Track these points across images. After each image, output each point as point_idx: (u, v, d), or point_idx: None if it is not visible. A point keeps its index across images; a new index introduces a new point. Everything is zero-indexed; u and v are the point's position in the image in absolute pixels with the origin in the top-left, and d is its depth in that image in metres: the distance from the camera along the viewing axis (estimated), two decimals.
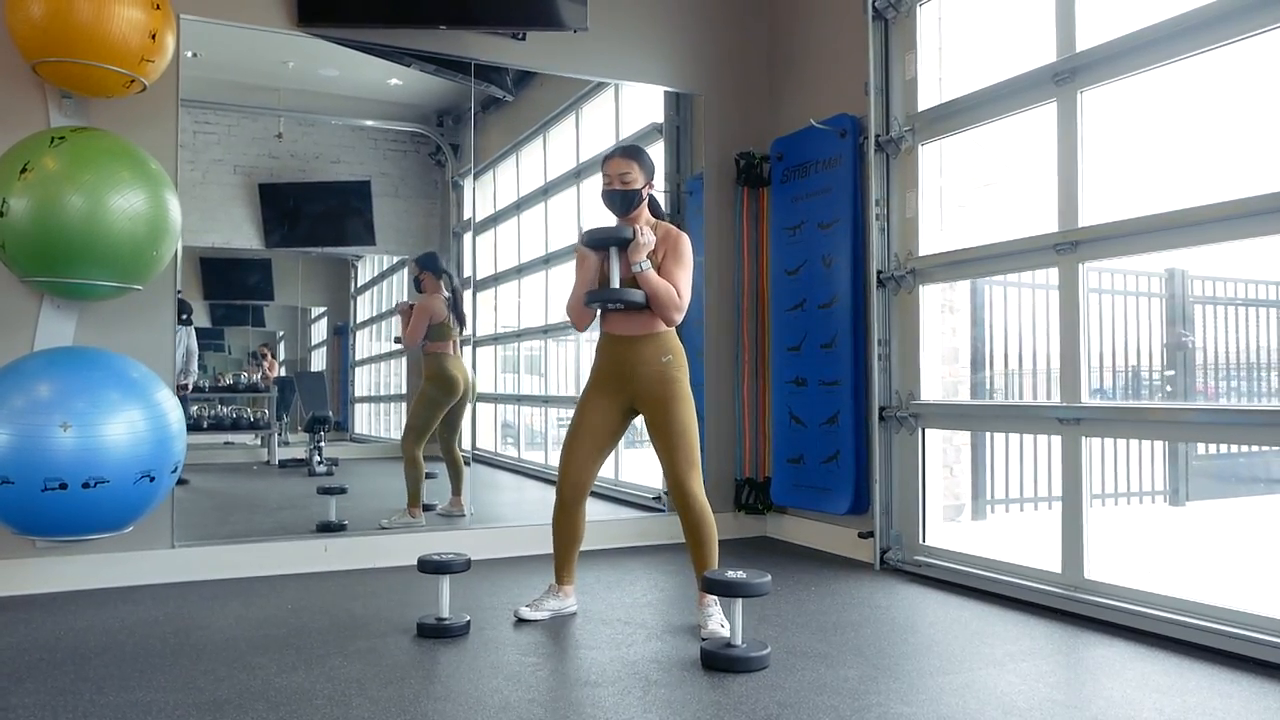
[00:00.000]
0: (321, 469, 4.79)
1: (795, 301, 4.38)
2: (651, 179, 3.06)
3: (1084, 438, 3.16)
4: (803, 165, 4.37)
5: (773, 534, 4.68)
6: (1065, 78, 3.20)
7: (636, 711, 2.24)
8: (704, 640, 2.77)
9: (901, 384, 3.88)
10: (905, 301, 3.88)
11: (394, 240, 4.94)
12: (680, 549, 4.37)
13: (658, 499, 4.89)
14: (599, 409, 3.07)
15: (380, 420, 5.17)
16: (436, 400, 4.66)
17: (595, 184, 5.45)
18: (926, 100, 3.82)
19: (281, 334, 4.83)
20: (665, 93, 4.90)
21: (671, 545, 4.47)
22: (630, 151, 3.04)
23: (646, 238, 2.95)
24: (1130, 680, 2.49)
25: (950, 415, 3.82)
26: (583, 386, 3.16)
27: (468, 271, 4.83)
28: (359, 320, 5.03)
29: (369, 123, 4.83)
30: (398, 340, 4.86)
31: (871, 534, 3.90)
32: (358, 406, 5.07)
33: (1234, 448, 5.99)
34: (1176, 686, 2.44)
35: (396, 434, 5.10)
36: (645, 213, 3.07)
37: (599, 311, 3.08)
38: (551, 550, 3.18)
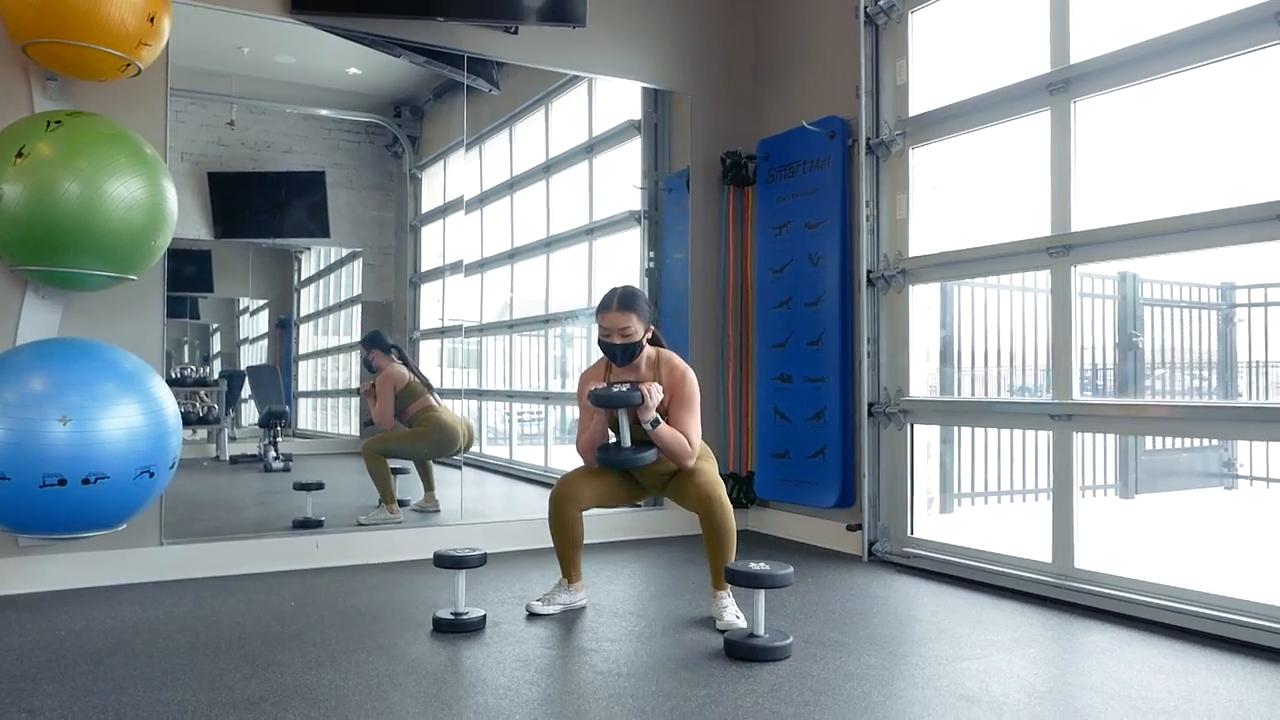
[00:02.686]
0: (278, 465, 4.70)
1: (781, 299, 4.47)
2: (649, 324, 3.08)
3: (1075, 433, 3.30)
4: (789, 165, 4.45)
5: (755, 527, 4.76)
6: (1059, 88, 3.33)
7: (680, 701, 2.28)
8: (723, 632, 2.82)
9: (890, 381, 3.99)
10: (894, 301, 3.99)
11: (348, 233, 4.86)
12: (668, 542, 4.45)
13: None
14: (624, 477, 3.18)
15: (327, 415, 5.09)
16: (428, 452, 4.59)
17: (565, 179, 5.53)
18: (917, 105, 3.93)
19: (216, 327, 4.73)
20: (643, 89, 4.92)
21: (657, 539, 4.52)
22: (627, 302, 3.03)
23: (654, 399, 2.95)
24: (1133, 663, 2.61)
25: (940, 411, 3.94)
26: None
27: (468, 255, 4.79)
28: (303, 314, 4.95)
29: (324, 112, 4.74)
30: (369, 424, 4.76)
31: (859, 527, 4.00)
32: (301, 401, 4.98)
33: (1181, 443, 6.29)
34: (1177, 668, 2.57)
35: (345, 429, 5.03)
36: (648, 347, 3.10)
37: None
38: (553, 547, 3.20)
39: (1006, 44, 3.73)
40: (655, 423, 2.95)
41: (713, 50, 4.89)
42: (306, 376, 4.98)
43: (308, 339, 4.99)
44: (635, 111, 5.07)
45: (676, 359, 3.11)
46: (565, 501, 3.08)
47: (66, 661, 2.57)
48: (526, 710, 2.23)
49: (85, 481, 2.90)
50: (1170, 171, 3.95)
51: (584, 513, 3.14)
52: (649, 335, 3.09)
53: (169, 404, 3.19)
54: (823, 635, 2.86)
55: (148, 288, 3.55)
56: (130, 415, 3.02)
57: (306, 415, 5.02)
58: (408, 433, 4.63)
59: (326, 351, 5.06)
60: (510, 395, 5.66)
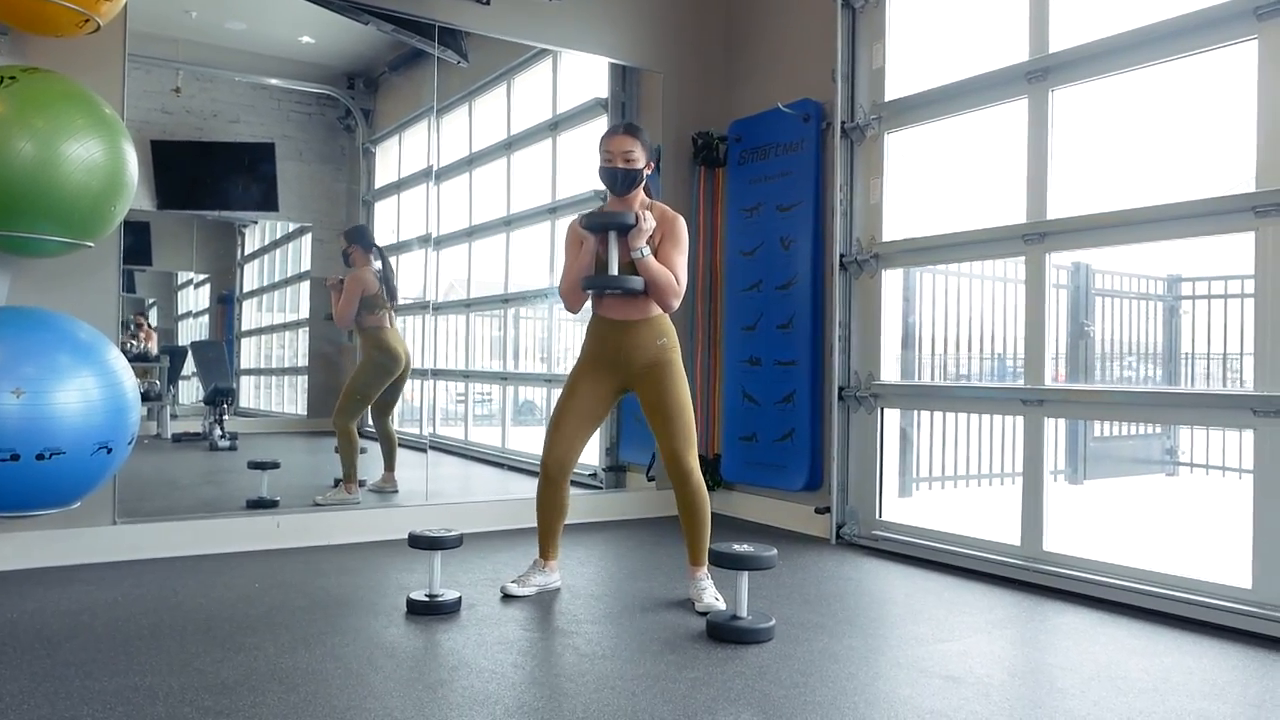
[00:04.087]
0: (224, 443, 4.58)
1: (751, 282, 4.45)
2: (651, 159, 3.03)
3: (1046, 418, 3.34)
4: (761, 148, 4.43)
5: (721, 510, 4.73)
6: (1037, 76, 3.36)
7: (668, 684, 2.25)
8: (703, 614, 2.81)
9: (861, 365, 4.00)
10: (867, 285, 4.00)
11: (297, 206, 4.74)
12: (634, 524, 4.43)
13: (594, 476, 4.90)
14: (588, 389, 3.04)
15: (271, 394, 4.98)
16: (378, 373, 4.54)
17: (527, 157, 5.44)
18: (893, 90, 3.93)
19: (153, 301, 4.58)
20: (610, 66, 4.85)
21: (624, 521, 4.50)
22: (634, 129, 3.00)
23: (648, 223, 2.90)
24: (1106, 644, 2.66)
25: (911, 395, 3.97)
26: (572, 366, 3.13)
27: (430, 230, 4.70)
28: (246, 290, 4.82)
29: (274, 81, 4.60)
30: (328, 318, 4.68)
31: (828, 509, 4.02)
32: (244, 379, 4.86)
33: (1127, 430, 6.46)
34: (1149, 649, 2.62)
35: (291, 408, 4.92)
36: (642, 193, 3.04)
37: (592, 294, 3.05)
38: (536, 525, 3.14)
39: (984, 31, 3.75)
40: (644, 254, 2.89)
41: (686, 29, 4.84)
42: (250, 354, 4.85)
43: (251, 315, 4.86)
44: (602, 89, 5.00)
45: (669, 210, 3.05)
46: (561, 471, 3.04)
47: (22, 645, 2.45)
48: (514, 693, 2.18)
49: (40, 457, 2.76)
50: (1148, 162, 4.02)
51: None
52: (648, 171, 3.01)
53: (127, 377, 3.05)
54: (802, 617, 2.86)
55: (103, 256, 3.40)
56: (87, 388, 2.88)
57: (249, 393, 4.90)
58: (355, 370, 4.58)
59: (272, 328, 4.94)
60: (467, 375, 5.58)
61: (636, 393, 3.04)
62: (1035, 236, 3.35)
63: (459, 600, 2.89)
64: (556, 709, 2.07)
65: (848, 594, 3.20)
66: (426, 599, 2.84)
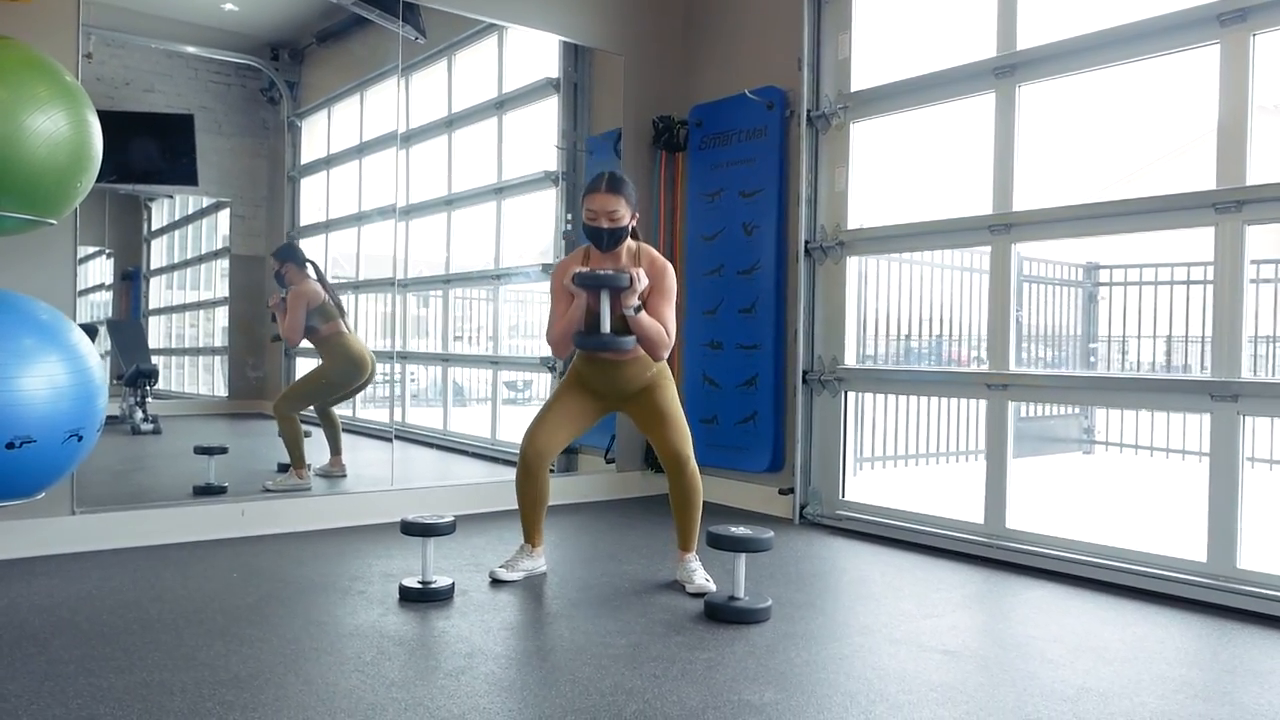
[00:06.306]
0: (148, 427, 4.43)
1: (712, 267, 4.50)
2: (636, 210, 3.00)
3: (1010, 402, 3.50)
4: (724, 133, 4.47)
5: None
6: (1005, 72, 3.48)
7: (685, 665, 2.29)
8: (698, 595, 2.87)
9: (825, 349, 4.10)
10: (831, 271, 4.09)
11: (217, 181, 4.59)
12: (593, 507, 4.45)
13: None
14: (576, 400, 3.09)
15: (185, 375, 4.82)
16: (341, 382, 4.45)
17: (470, 135, 5.36)
18: (859, 80, 4.02)
19: None
20: (562, 44, 4.81)
21: (579, 505, 4.50)
22: (616, 185, 2.94)
23: (641, 283, 2.89)
24: (1079, 616, 2.81)
25: (875, 379, 4.09)
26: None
27: (356, 207, 4.60)
28: (154, 266, 4.64)
29: (191, 49, 4.43)
30: (276, 339, 4.53)
31: (791, 490, 4.11)
32: (155, 359, 4.70)
33: (1049, 410, 6.78)
34: (1119, 620, 2.78)
35: (205, 390, 4.78)
36: (627, 243, 3.03)
37: None
38: (518, 512, 3.14)
39: (948, 25, 3.86)
40: (637, 310, 2.90)
41: (646, 10, 4.82)
42: (159, 333, 4.68)
43: (160, 293, 4.69)
44: (552, 69, 4.96)
45: (657, 252, 3.07)
46: (540, 460, 3.03)
47: (8, 642, 2.34)
48: (539, 677, 2.20)
49: (10, 446, 2.63)
50: (1109, 157, 4.21)
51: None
52: (634, 222, 3.01)
53: (93, 359, 2.91)
54: (790, 596, 2.94)
55: (60, 232, 3.23)
56: (54, 372, 2.74)
57: (161, 374, 4.73)
58: (312, 371, 4.48)
59: (185, 307, 4.77)
60: (404, 356, 5.49)
61: (628, 411, 3.11)
62: (1001, 228, 3.49)
63: (452, 586, 2.87)
64: (585, 693, 2.09)
65: (825, 573, 3.30)
66: (420, 586, 2.82)
